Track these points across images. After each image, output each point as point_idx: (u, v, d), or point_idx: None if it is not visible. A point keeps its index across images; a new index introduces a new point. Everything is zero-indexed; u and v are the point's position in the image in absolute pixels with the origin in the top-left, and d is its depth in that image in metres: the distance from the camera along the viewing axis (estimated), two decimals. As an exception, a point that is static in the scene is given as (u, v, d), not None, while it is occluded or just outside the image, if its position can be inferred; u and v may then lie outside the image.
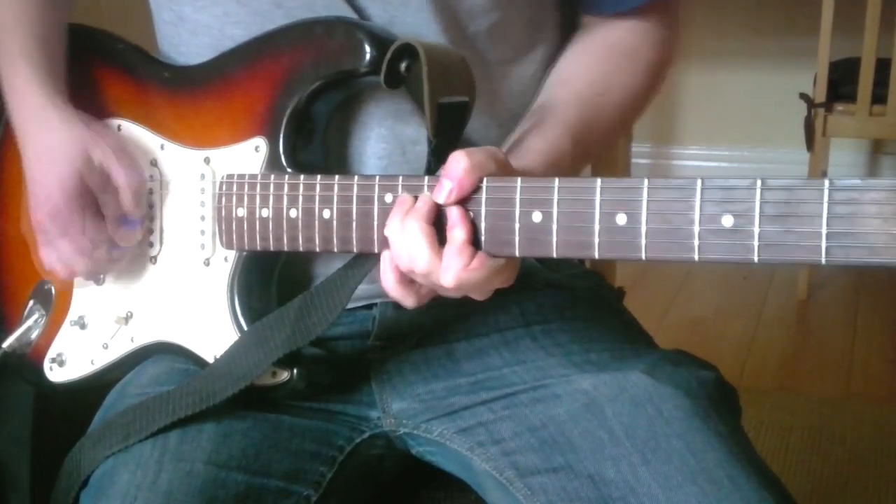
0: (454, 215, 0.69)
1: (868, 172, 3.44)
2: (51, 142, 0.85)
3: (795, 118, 2.72)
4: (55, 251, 0.86)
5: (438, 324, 0.89)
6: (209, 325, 0.83)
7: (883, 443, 2.02)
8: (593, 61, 0.88)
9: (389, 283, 0.73)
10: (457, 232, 0.69)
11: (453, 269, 0.68)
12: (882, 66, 2.51)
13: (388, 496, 0.91)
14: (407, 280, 0.72)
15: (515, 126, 0.87)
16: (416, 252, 0.69)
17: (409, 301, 0.73)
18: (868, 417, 2.12)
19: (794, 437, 2.05)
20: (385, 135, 0.84)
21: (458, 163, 0.69)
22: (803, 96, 2.66)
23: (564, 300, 0.91)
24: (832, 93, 2.61)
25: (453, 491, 0.89)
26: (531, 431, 0.79)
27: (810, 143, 2.65)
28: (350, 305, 0.85)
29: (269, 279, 0.84)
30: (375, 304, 0.88)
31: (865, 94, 2.54)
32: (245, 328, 0.82)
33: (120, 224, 0.85)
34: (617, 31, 0.89)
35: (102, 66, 0.92)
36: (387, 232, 0.72)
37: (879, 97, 2.55)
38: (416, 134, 0.83)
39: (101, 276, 0.91)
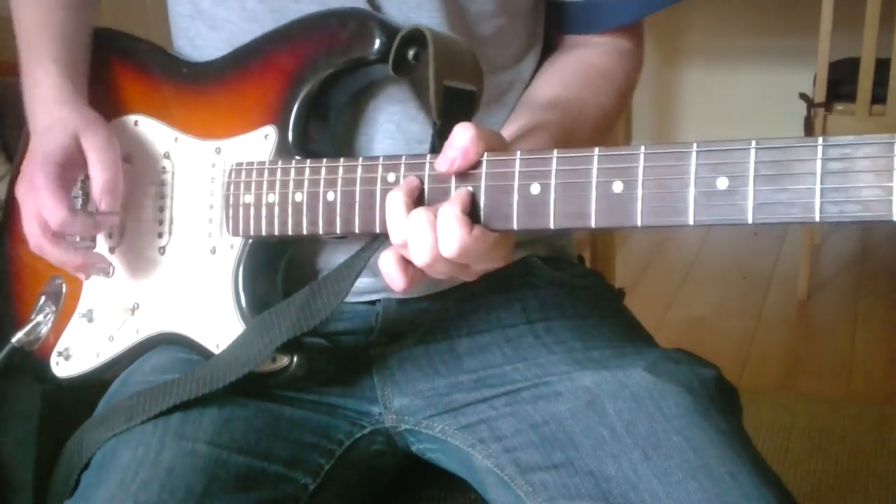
0: (454, 190, 0.69)
1: (868, 173, 3.44)
2: (51, 120, 0.87)
3: (795, 118, 2.72)
4: (27, 219, 0.86)
5: (441, 320, 0.89)
6: (213, 314, 0.84)
7: (883, 443, 2.02)
8: (575, 80, 0.90)
9: (388, 261, 0.71)
10: (454, 204, 0.68)
11: (455, 236, 0.67)
12: (882, 66, 2.51)
13: (387, 495, 0.91)
14: (404, 261, 0.71)
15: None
16: (419, 234, 0.68)
17: (397, 282, 0.72)
18: (868, 417, 2.12)
19: (794, 437, 2.05)
20: (392, 131, 0.84)
21: (465, 132, 0.69)
22: (803, 96, 2.66)
23: (566, 297, 0.92)
24: (832, 93, 2.61)
25: (452, 490, 0.90)
26: (533, 428, 0.79)
27: (810, 143, 2.65)
28: (354, 300, 0.86)
29: (274, 269, 0.85)
30: (379, 301, 0.88)
31: (865, 94, 2.54)
32: (248, 316, 0.82)
33: (84, 213, 0.85)
34: (595, 52, 0.92)
35: (123, 66, 0.95)
36: (390, 221, 0.71)
37: (879, 97, 2.55)
38: (424, 132, 0.83)
39: (68, 259, 0.89)
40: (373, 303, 0.88)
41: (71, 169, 0.86)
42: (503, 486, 0.79)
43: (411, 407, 0.87)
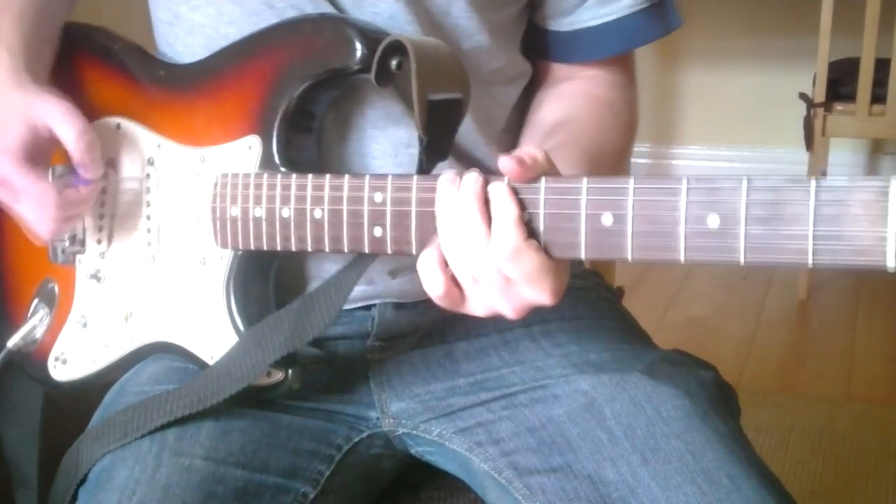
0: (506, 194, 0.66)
1: (867, 172, 3.44)
2: (3, 110, 0.83)
3: (795, 118, 2.72)
4: (19, 214, 0.84)
5: (438, 324, 0.89)
6: (207, 325, 0.83)
7: (883, 443, 2.02)
8: (587, 116, 0.87)
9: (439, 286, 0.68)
10: (510, 207, 0.65)
11: (511, 242, 0.64)
12: (881, 66, 2.51)
13: (388, 495, 0.91)
14: (444, 262, 0.68)
15: (501, 144, 0.87)
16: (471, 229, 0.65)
17: (435, 282, 0.68)
18: (868, 417, 2.12)
19: (795, 437, 2.05)
20: (377, 136, 0.83)
21: (539, 150, 0.66)
22: (803, 96, 2.66)
23: (564, 300, 0.90)
24: (832, 93, 2.61)
25: (453, 490, 0.90)
26: (530, 432, 0.79)
27: (810, 142, 2.65)
28: (349, 306, 0.86)
29: (266, 278, 0.84)
30: (374, 305, 0.88)
31: (865, 94, 2.54)
32: (242, 328, 0.82)
33: (69, 183, 0.83)
34: (596, 85, 0.90)
35: (101, 65, 0.92)
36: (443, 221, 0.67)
37: (879, 97, 2.56)
38: (409, 136, 0.83)
39: (65, 240, 0.89)
40: (368, 308, 0.88)
41: (41, 151, 0.82)
42: (501, 489, 0.79)
43: (408, 411, 0.87)
